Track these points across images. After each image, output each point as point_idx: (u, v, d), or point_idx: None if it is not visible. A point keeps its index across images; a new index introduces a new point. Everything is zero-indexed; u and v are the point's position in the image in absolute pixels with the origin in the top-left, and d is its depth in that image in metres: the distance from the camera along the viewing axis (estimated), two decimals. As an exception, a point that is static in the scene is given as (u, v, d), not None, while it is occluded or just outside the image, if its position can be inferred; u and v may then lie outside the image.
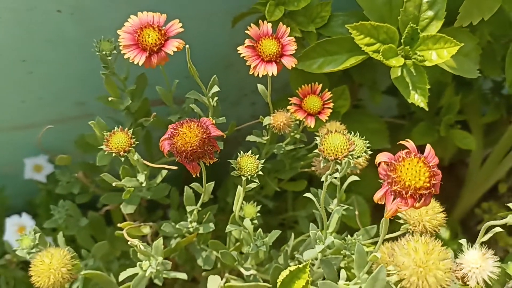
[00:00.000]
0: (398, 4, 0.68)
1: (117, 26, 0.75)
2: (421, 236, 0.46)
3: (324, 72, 0.69)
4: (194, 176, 0.50)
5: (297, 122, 0.66)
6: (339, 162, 0.48)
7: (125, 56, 0.54)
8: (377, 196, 0.42)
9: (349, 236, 0.62)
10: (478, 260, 0.42)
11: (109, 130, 0.64)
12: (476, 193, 1.08)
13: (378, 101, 0.86)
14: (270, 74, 0.55)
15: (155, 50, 0.54)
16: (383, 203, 0.43)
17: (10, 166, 0.97)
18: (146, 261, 0.59)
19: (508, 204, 0.54)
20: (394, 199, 0.42)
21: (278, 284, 0.56)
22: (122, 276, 0.59)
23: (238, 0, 0.78)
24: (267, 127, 0.66)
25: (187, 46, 0.54)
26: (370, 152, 0.55)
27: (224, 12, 0.79)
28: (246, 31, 0.56)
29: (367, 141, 0.57)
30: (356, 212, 0.75)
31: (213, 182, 0.60)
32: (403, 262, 0.42)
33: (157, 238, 0.75)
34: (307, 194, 0.56)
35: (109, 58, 0.61)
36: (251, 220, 0.63)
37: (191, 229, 0.65)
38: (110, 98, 0.64)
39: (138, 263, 0.59)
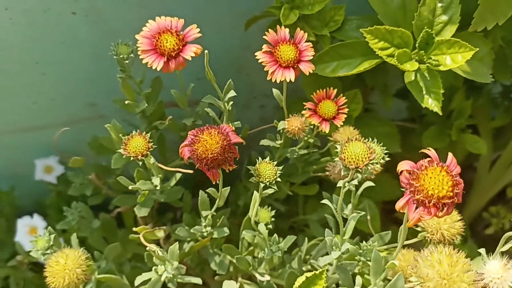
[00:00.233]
0: (413, 9, 0.68)
1: (130, 28, 0.75)
2: (439, 245, 0.46)
3: (338, 76, 0.69)
4: (214, 183, 0.50)
5: (311, 126, 0.66)
6: (360, 171, 0.48)
7: (143, 61, 0.54)
8: (399, 205, 0.42)
9: (364, 242, 0.62)
10: (499, 271, 0.42)
11: (124, 133, 0.64)
12: (484, 197, 1.09)
13: (389, 105, 0.86)
14: (288, 80, 0.55)
15: (173, 55, 0.54)
16: (405, 211, 0.43)
17: (20, 166, 0.97)
18: (161, 266, 0.59)
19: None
20: (416, 208, 0.42)
21: (294, 289, 0.56)
22: (138, 280, 0.59)
23: (249, 3, 0.78)
24: (281, 131, 0.66)
25: (206, 51, 0.54)
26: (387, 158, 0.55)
27: (235, 15, 0.79)
28: (264, 37, 0.56)
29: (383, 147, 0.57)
30: (368, 217, 0.75)
31: (229, 187, 0.60)
32: (427, 274, 0.41)
33: (169, 240, 0.75)
34: (325, 201, 0.56)
35: (126, 61, 0.61)
36: (266, 225, 0.63)
37: (205, 234, 0.65)
38: (126, 102, 0.64)
39: (153, 268, 0.60)
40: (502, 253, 0.46)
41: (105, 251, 0.69)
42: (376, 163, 0.52)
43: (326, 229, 0.60)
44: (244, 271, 0.66)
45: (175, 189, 0.68)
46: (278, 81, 0.56)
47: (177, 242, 0.60)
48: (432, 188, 0.41)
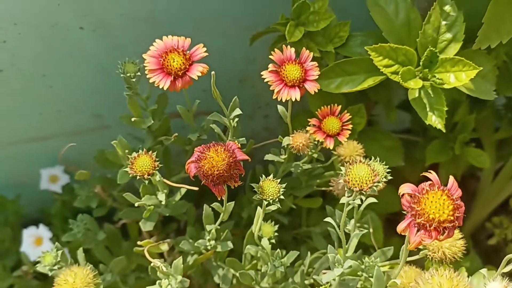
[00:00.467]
0: (417, 26, 0.68)
1: (136, 42, 0.76)
2: (440, 265, 0.46)
3: (342, 92, 0.70)
4: (219, 199, 0.51)
5: (315, 142, 0.67)
6: (364, 193, 0.49)
7: (151, 81, 0.55)
8: (400, 228, 0.43)
9: (366, 256, 0.62)
10: (500, 292, 0.43)
11: (130, 149, 0.65)
12: (487, 207, 1.09)
13: (393, 119, 0.86)
14: (293, 99, 0.56)
15: (180, 74, 0.55)
16: (406, 234, 0.44)
17: (26, 176, 0.98)
18: (165, 279, 0.60)
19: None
20: (417, 231, 0.42)
21: (297, 305, 0.56)
22: (143, 294, 0.60)
23: (254, 18, 0.79)
24: (285, 146, 0.67)
25: (213, 72, 0.55)
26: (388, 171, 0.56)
27: (240, 28, 0.80)
28: (270, 56, 0.57)
29: (384, 162, 0.57)
30: (371, 230, 0.76)
31: (233, 202, 0.61)
32: (428, 297, 0.42)
33: (173, 252, 0.76)
34: (328, 219, 0.57)
35: (133, 79, 0.61)
36: (269, 239, 0.63)
37: (209, 247, 0.65)
38: (133, 119, 0.65)
39: (157, 282, 0.60)
40: (503, 275, 0.47)
41: (111, 264, 0.70)
42: (379, 183, 0.53)
43: (329, 245, 0.60)
44: (247, 285, 0.67)
45: (179, 203, 0.69)
46: (283, 100, 0.56)
47: (181, 257, 0.60)
48: (433, 212, 0.42)
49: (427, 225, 0.42)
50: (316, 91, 0.57)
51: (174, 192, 0.71)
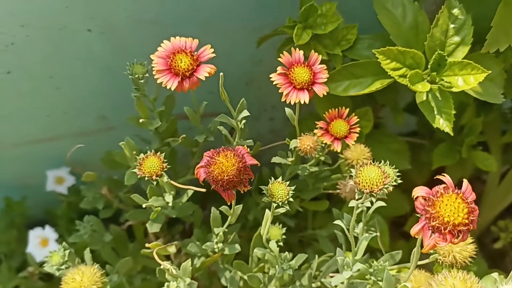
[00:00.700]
0: (425, 29, 0.68)
1: (142, 44, 0.76)
2: (452, 268, 0.46)
3: (350, 95, 0.70)
4: (228, 203, 0.51)
5: (323, 145, 0.67)
6: (374, 195, 0.49)
7: (158, 81, 0.55)
8: (414, 230, 0.43)
9: (374, 259, 0.62)
10: (512, 296, 0.43)
11: (137, 150, 0.65)
12: (493, 210, 1.08)
13: (400, 122, 0.86)
14: (302, 102, 0.56)
15: (187, 75, 0.55)
16: (419, 237, 0.43)
17: (32, 177, 0.98)
18: (173, 282, 0.60)
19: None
20: (432, 234, 0.42)
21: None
22: (151, 297, 0.60)
23: (261, 19, 0.79)
24: (293, 149, 0.67)
25: (221, 74, 0.55)
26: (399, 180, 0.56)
27: (246, 30, 0.80)
28: (279, 59, 0.57)
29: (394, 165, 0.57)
30: (378, 233, 0.75)
31: (241, 205, 0.61)
32: (442, 299, 0.42)
33: (180, 254, 0.76)
34: (337, 222, 0.57)
35: (141, 81, 0.61)
36: (277, 242, 0.63)
37: (216, 250, 0.65)
38: (141, 120, 0.65)
39: (166, 284, 0.60)
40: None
41: (117, 265, 0.70)
42: (389, 185, 0.53)
43: (338, 248, 0.60)
44: (255, 287, 0.67)
45: (186, 205, 0.69)
46: (292, 103, 0.56)
47: (189, 259, 0.60)
48: (448, 215, 0.42)
49: (442, 228, 0.42)
50: (325, 93, 0.57)
51: (181, 194, 0.71)
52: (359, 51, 0.72)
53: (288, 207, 0.54)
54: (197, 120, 0.66)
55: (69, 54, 0.75)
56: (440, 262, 0.54)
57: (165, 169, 0.57)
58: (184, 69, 0.55)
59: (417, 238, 0.59)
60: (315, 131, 0.65)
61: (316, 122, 0.65)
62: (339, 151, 0.64)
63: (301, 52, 0.57)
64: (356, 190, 0.50)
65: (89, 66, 0.78)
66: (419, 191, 0.44)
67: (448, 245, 0.53)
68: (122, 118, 0.91)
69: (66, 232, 0.97)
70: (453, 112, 0.65)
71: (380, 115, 0.95)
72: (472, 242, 0.54)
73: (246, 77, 0.91)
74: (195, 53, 0.57)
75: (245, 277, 0.66)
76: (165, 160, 0.57)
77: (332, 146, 0.64)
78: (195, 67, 0.56)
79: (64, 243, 0.62)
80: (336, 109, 0.65)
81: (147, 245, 0.64)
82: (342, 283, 0.60)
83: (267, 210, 0.60)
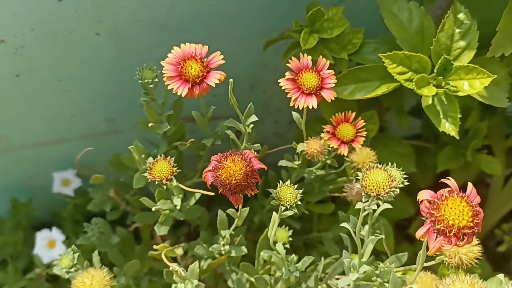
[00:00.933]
0: (430, 34, 0.69)
1: (149, 47, 0.77)
2: (458, 269, 0.47)
3: (356, 99, 0.70)
4: (236, 207, 0.51)
5: (329, 148, 0.67)
6: (381, 198, 0.50)
7: (169, 87, 0.56)
8: (419, 233, 0.43)
9: (379, 261, 0.63)
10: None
11: (145, 153, 0.66)
12: (496, 214, 1.09)
13: (405, 125, 0.87)
14: (310, 107, 0.57)
15: (198, 81, 0.56)
16: (424, 240, 0.44)
17: (38, 179, 0.99)
18: (181, 283, 0.60)
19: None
20: (437, 236, 0.43)
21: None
22: (160, 299, 0.60)
23: (267, 23, 0.79)
24: (299, 152, 0.68)
25: (231, 80, 0.56)
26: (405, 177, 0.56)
27: (252, 34, 0.81)
28: (287, 64, 0.58)
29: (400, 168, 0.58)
30: (383, 236, 0.76)
31: (247, 208, 0.62)
32: (449, 303, 0.42)
33: (186, 257, 0.76)
34: (344, 224, 0.57)
35: (151, 85, 0.62)
36: (283, 244, 0.64)
37: (223, 252, 0.66)
38: (150, 124, 0.66)
39: (173, 285, 0.61)
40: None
41: (125, 267, 0.71)
42: (396, 189, 0.53)
43: (344, 251, 0.61)
44: (261, 289, 0.67)
45: (193, 208, 0.69)
46: (300, 108, 0.57)
47: (197, 261, 0.61)
48: (453, 218, 0.42)
49: (447, 231, 0.42)
50: (333, 99, 0.58)
51: (187, 197, 0.71)
52: (365, 55, 0.73)
53: (296, 210, 0.55)
54: (205, 124, 0.66)
55: (77, 58, 0.76)
56: (446, 263, 0.54)
57: (175, 174, 0.58)
58: (194, 75, 0.56)
59: (422, 241, 0.60)
60: (322, 134, 0.65)
61: (323, 126, 0.65)
62: (346, 154, 0.64)
63: (309, 57, 0.58)
64: (363, 194, 0.50)
65: (96, 69, 0.79)
66: (424, 195, 0.44)
67: (454, 247, 0.54)
68: (129, 121, 0.92)
69: (72, 234, 0.98)
70: (459, 116, 0.66)
71: (385, 119, 0.96)
72: (478, 244, 0.55)
73: (251, 80, 0.92)
74: (205, 59, 0.57)
75: (252, 279, 0.66)
76: (175, 165, 0.58)
77: (339, 149, 0.64)
78: (205, 73, 0.56)
79: (73, 245, 0.62)
80: (343, 113, 0.65)
81: (155, 247, 0.65)
82: (349, 285, 0.61)
83: (274, 213, 0.60)
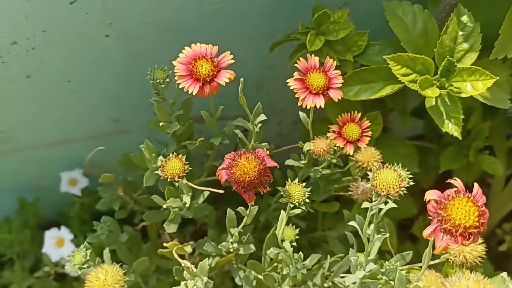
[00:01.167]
0: (434, 36, 0.70)
1: (158, 49, 0.79)
2: (462, 267, 0.48)
3: (360, 99, 0.72)
4: (248, 202, 0.52)
5: (335, 148, 0.69)
6: (391, 197, 0.51)
7: (180, 86, 0.57)
8: (426, 233, 0.45)
9: (386, 262, 0.64)
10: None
11: (156, 152, 0.67)
12: (498, 214, 1.10)
13: (408, 126, 0.88)
14: (318, 107, 0.58)
15: (208, 80, 0.57)
16: (430, 239, 0.45)
17: (46, 178, 1.00)
18: (191, 280, 0.61)
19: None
20: (443, 236, 0.44)
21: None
22: (170, 294, 0.61)
23: (273, 25, 0.81)
24: (305, 152, 0.69)
25: (241, 79, 0.57)
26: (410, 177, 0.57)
27: (259, 36, 0.82)
28: (295, 65, 0.59)
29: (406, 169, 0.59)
30: (388, 234, 0.77)
31: (257, 206, 0.63)
32: (456, 300, 0.44)
33: (193, 255, 0.78)
34: (352, 223, 0.59)
35: (162, 86, 0.64)
36: (290, 242, 0.65)
37: (231, 250, 0.67)
38: (161, 123, 0.67)
39: (183, 282, 0.62)
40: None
41: (134, 265, 0.72)
42: (405, 188, 0.54)
43: (350, 249, 0.62)
44: (269, 286, 0.68)
45: (202, 206, 0.71)
46: (308, 107, 0.58)
47: (206, 259, 0.62)
48: (459, 218, 0.43)
49: (453, 230, 0.43)
50: (340, 98, 0.59)
51: (195, 195, 0.73)
52: (369, 57, 0.74)
53: (304, 208, 0.56)
54: (213, 124, 0.68)
55: (87, 59, 0.77)
56: (451, 262, 0.56)
57: (187, 171, 0.59)
58: (205, 74, 0.57)
59: (424, 240, 0.61)
60: (328, 134, 0.67)
61: (329, 126, 0.67)
62: (351, 153, 0.66)
63: (317, 58, 0.59)
64: (373, 193, 0.52)
65: (104, 71, 0.80)
66: (431, 195, 0.45)
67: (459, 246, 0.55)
68: (135, 121, 0.93)
69: (79, 233, 0.99)
70: (462, 117, 0.67)
71: (389, 120, 0.97)
72: (482, 243, 0.56)
73: (257, 81, 0.93)
74: (215, 59, 0.59)
75: (259, 276, 0.67)
76: (186, 162, 0.59)
77: (345, 149, 0.66)
78: (215, 72, 0.58)
79: (85, 242, 0.64)
80: (349, 113, 0.67)
81: (165, 244, 0.66)
82: (355, 283, 0.62)
83: (282, 211, 0.62)
